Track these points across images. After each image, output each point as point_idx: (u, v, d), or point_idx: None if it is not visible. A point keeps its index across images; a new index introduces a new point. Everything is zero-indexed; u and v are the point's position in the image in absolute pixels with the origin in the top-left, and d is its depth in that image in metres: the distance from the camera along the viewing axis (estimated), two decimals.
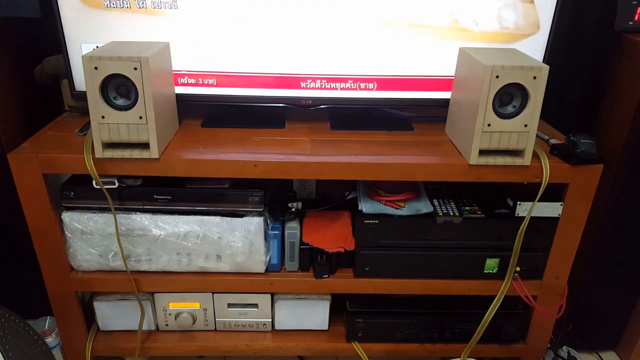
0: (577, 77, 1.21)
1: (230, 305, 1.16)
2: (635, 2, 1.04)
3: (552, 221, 1.03)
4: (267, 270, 1.10)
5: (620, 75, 1.07)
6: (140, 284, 1.08)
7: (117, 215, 1.01)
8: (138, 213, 1.03)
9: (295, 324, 1.19)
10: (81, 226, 1.02)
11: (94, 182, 0.95)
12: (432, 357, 1.23)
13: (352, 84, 1.08)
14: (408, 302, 1.18)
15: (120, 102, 0.90)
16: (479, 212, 1.05)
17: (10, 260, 1.16)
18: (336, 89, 1.08)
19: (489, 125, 0.91)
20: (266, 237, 1.06)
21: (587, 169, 0.97)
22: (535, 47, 1.06)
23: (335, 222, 1.13)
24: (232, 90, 1.08)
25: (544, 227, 1.04)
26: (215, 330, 1.20)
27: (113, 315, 1.16)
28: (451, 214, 1.04)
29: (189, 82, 1.07)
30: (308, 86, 1.08)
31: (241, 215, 1.04)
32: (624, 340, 1.29)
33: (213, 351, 1.18)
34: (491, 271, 1.09)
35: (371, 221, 1.04)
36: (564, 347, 1.22)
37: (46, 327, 1.15)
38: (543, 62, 1.06)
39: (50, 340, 1.13)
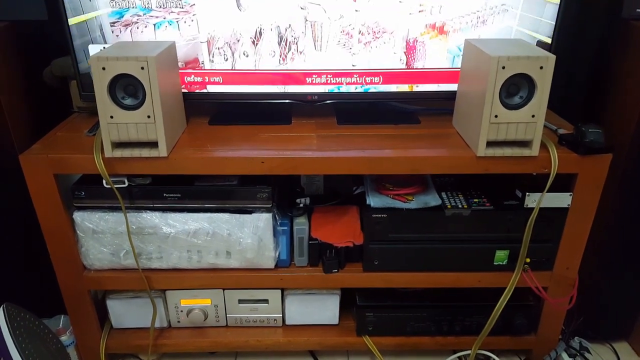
0: (585, 65, 1.20)
1: (240, 301, 1.16)
2: None
3: (562, 212, 1.03)
4: (276, 265, 1.11)
5: (628, 63, 1.06)
6: (152, 282, 1.09)
7: (127, 214, 1.02)
8: (148, 211, 1.04)
9: (306, 318, 1.20)
10: (92, 225, 1.03)
11: (104, 181, 0.96)
12: (443, 349, 1.23)
13: (358, 79, 1.08)
14: (418, 296, 1.18)
15: (128, 101, 0.91)
16: (488, 204, 1.05)
17: (24, 260, 1.18)
18: (342, 83, 1.08)
19: (496, 116, 0.91)
20: (275, 233, 1.07)
21: (596, 159, 0.97)
22: (541, 35, 1.05)
23: (344, 217, 1.13)
24: (238, 88, 1.08)
25: (553, 218, 1.04)
26: (226, 326, 1.21)
27: (126, 312, 1.17)
28: (459, 206, 1.04)
29: (196, 81, 1.08)
30: (314, 82, 1.08)
31: (250, 212, 1.04)
32: (636, 330, 1.28)
33: (225, 347, 1.19)
34: (501, 263, 1.09)
35: (379, 215, 1.04)
36: (576, 338, 1.21)
37: (60, 325, 1.17)
38: (550, 51, 1.05)
39: (64, 338, 1.14)
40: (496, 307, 1.05)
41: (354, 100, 1.12)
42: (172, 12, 1.00)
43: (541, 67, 0.88)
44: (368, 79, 1.08)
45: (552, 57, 0.87)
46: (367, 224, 1.05)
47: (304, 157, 0.96)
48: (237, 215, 1.04)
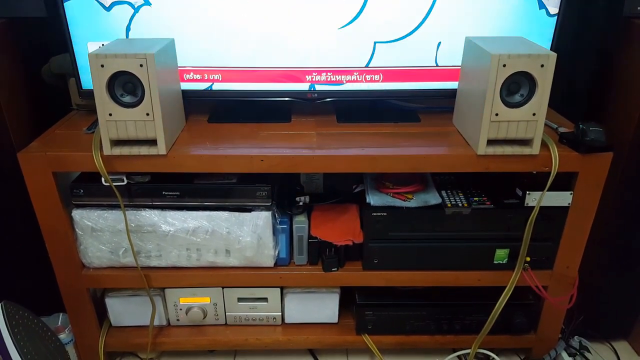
0: (586, 63, 1.20)
1: (240, 299, 1.16)
2: None
3: (562, 210, 1.03)
4: (276, 264, 1.10)
5: (629, 61, 1.05)
6: (151, 280, 1.09)
7: (126, 212, 1.02)
8: (147, 209, 1.03)
9: (305, 317, 1.20)
10: (91, 223, 1.03)
11: (102, 179, 0.96)
12: (443, 348, 1.22)
13: (358, 76, 1.08)
14: (418, 294, 1.17)
15: (127, 99, 0.90)
16: (488, 203, 1.05)
17: (22, 258, 1.18)
18: (342, 81, 1.08)
19: (496, 114, 0.91)
20: (274, 231, 1.07)
21: (596, 157, 0.96)
22: (542, 34, 1.05)
23: (343, 215, 1.13)
24: (238, 85, 1.08)
25: (553, 217, 1.04)
26: (225, 324, 1.21)
27: (125, 311, 1.17)
28: (460, 205, 1.04)
29: (195, 78, 1.07)
30: (313, 79, 1.08)
31: (249, 210, 1.04)
32: (636, 329, 1.28)
33: (224, 345, 1.19)
34: (501, 262, 1.09)
35: (379, 214, 1.04)
36: (576, 337, 1.21)
37: (59, 323, 1.17)
38: (551, 49, 1.05)
39: (63, 336, 1.14)
40: (496, 306, 1.05)
41: (354, 98, 1.11)
42: None
43: (542, 65, 0.87)
44: (368, 77, 1.08)
45: (553, 54, 0.87)
46: (367, 222, 1.05)
47: (304, 155, 0.96)
48: (237, 214, 1.04)
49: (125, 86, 0.90)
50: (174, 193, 1.02)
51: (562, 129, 1.03)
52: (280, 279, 1.11)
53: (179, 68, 1.06)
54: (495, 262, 1.09)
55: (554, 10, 1.02)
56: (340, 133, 1.06)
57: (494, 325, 1.06)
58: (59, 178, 0.98)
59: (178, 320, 1.19)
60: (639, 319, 1.27)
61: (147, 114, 0.90)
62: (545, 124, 1.04)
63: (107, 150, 0.93)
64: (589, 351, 1.20)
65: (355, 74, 1.07)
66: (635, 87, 1.03)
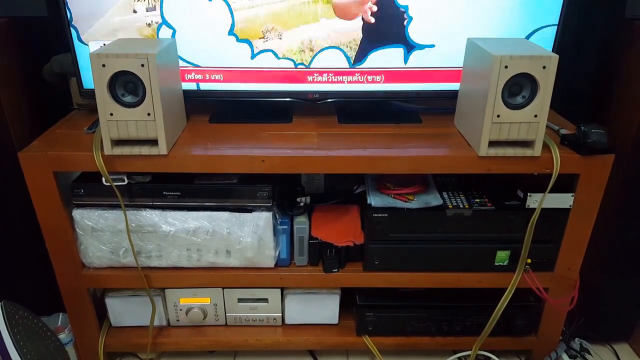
0: (588, 66, 1.19)
1: (240, 300, 1.16)
2: None
3: (563, 212, 1.02)
4: (276, 265, 1.10)
5: (631, 64, 1.05)
6: (151, 280, 1.09)
7: (127, 212, 1.01)
8: (148, 209, 1.03)
9: (306, 318, 1.19)
10: (92, 223, 1.03)
11: (103, 179, 0.96)
12: (443, 350, 1.22)
13: (359, 77, 1.07)
14: (418, 296, 1.17)
15: (128, 99, 0.90)
16: (489, 204, 1.05)
17: (22, 258, 1.17)
18: (343, 82, 1.08)
19: (498, 116, 0.91)
20: (275, 232, 1.06)
21: (598, 159, 0.96)
22: (544, 36, 1.04)
23: (344, 216, 1.13)
24: (239, 86, 1.08)
25: (555, 219, 1.03)
26: (225, 325, 1.20)
27: (125, 311, 1.17)
28: (461, 206, 1.04)
29: (196, 78, 1.07)
30: (315, 80, 1.07)
31: (250, 211, 1.04)
32: (637, 331, 1.27)
33: (224, 346, 1.18)
34: (502, 263, 1.09)
35: (380, 215, 1.04)
36: (577, 339, 1.21)
37: (59, 323, 1.17)
38: (552, 51, 1.05)
39: (63, 336, 1.14)
40: (497, 308, 1.04)
41: (355, 99, 1.11)
42: None
43: (544, 67, 0.87)
44: (369, 78, 1.08)
45: (555, 56, 0.87)
46: (368, 223, 1.05)
47: (305, 155, 0.96)
48: (237, 214, 1.04)
49: (127, 86, 0.90)
50: (175, 193, 1.02)
51: (563, 131, 1.03)
52: (281, 280, 1.10)
53: (180, 68, 1.05)
54: (496, 263, 1.09)
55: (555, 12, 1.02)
56: (341, 134, 1.06)
57: (495, 327, 1.06)
58: (60, 178, 0.98)
59: (178, 320, 1.19)
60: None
61: (148, 114, 0.90)
62: (547, 126, 1.04)
63: (108, 150, 0.93)
64: (589, 353, 1.19)
65: (356, 74, 1.07)
66: (637, 88, 1.03)
